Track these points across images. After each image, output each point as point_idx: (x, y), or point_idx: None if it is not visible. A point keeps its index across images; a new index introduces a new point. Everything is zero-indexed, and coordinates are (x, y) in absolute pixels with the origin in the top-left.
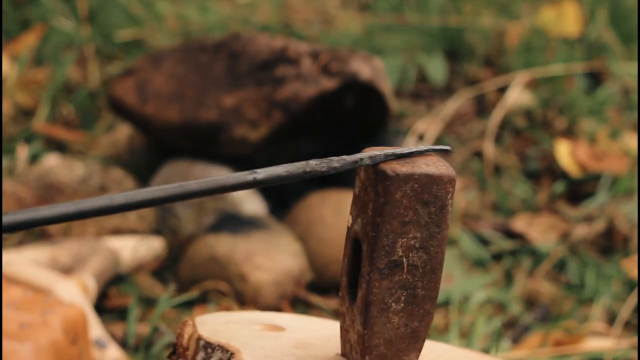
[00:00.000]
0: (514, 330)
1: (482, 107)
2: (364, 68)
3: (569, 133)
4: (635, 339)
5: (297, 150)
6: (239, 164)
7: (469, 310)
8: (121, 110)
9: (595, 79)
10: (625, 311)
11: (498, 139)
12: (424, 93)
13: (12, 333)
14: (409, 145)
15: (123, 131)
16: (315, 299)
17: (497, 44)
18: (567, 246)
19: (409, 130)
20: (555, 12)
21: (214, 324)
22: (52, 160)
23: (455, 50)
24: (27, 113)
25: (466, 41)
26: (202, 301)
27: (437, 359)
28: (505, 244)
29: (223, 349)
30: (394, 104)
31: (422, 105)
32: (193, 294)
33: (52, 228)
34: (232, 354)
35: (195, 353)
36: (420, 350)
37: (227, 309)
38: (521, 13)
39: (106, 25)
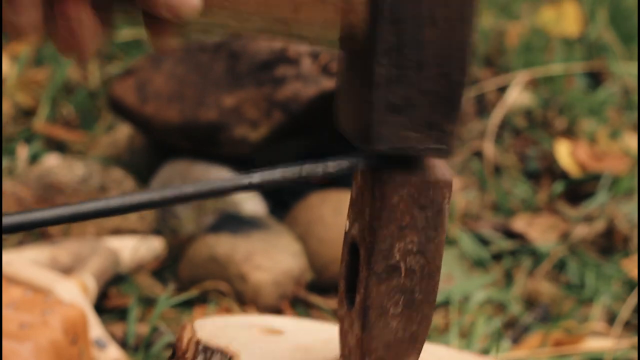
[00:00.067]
0: (514, 330)
1: (482, 107)
2: None
3: (569, 133)
4: (635, 339)
5: (298, 150)
6: (239, 164)
7: (469, 310)
8: (121, 110)
9: (595, 79)
10: (625, 311)
11: (498, 139)
12: None
13: (12, 333)
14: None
15: (123, 131)
16: (315, 299)
17: (497, 44)
18: (567, 246)
19: None
20: (555, 12)
21: (212, 328)
22: (52, 160)
23: None
24: (27, 113)
25: None
26: (202, 301)
27: None
28: (505, 244)
29: (222, 352)
30: None
31: None
32: (193, 294)
33: (52, 228)
34: (230, 357)
35: (194, 356)
36: (419, 354)
37: (227, 309)
38: (521, 13)
39: None
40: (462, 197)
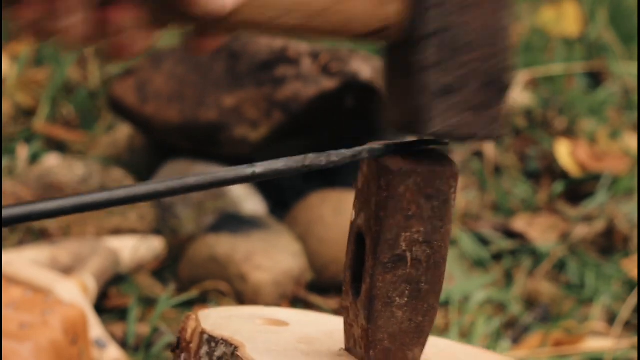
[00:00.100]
0: (514, 330)
1: None
2: (364, 68)
3: (569, 133)
4: (635, 339)
5: (298, 150)
6: (239, 164)
7: (469, 310)
8: (121, 110)
9: (595, 79)
10: (625, 311)
11: (498, 139)
12: None
13: (12, 333)
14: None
15: (123, 131)
16: (315, 299)
17: None
18: (567, 246)
19: None
20: (555, 12)
21: (217, 318)
22: (52, 160)
23: None
24: (27, 113)
25: None
26: (202, 301)
27: (439, 354)
28: (505, 244)
29: (227, 342)
30: None
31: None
32: (193, 294)
33: (52, 228)
34: (235, 347)
35: (199, 347)
36: (424, 345)
37: None
38: (521, 13)
39: None
40: (462, 197)
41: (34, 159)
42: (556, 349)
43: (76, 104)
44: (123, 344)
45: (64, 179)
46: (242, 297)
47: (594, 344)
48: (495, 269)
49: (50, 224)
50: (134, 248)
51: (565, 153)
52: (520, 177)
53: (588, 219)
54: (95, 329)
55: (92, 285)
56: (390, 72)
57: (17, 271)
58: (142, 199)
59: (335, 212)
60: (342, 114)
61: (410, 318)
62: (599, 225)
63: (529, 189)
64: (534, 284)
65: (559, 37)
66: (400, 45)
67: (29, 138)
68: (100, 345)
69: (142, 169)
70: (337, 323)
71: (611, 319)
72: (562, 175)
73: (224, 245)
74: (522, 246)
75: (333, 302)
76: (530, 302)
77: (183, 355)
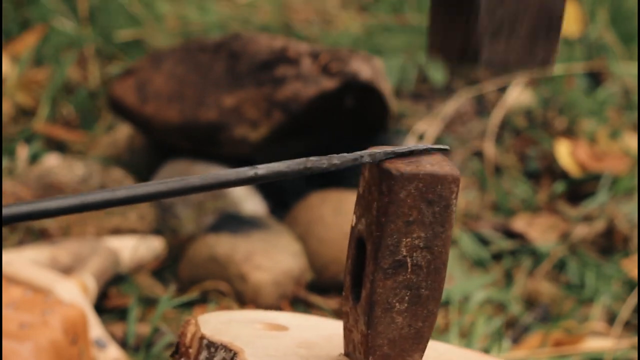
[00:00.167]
0: (514, 330)
1: (482, 107)
2: (364, 68)
3: (569, 133)
4: (635, 339)
5: (297, 150)
6: (239, 164)
7: (469, 310)
8: (121, 110)
9: (595, 79)
10: (625, 311)
11: (498, 139)
12: (424, 93)
13: (12, 333)
14: (414, 144)
15: (123, 131)
16: (315, 299)
17: None
18: (567, 246)
19: (409, 130)
20: None
21: (216, 323)
22: (52, 160)
23: None
24: (27, 113)
25: None
26: (202, 301)
27: (438, 358)
28: (505, 244)
29: (226, 348)
30: (394, 104)
31: (422, 105)
32: (193, 294)
33: (52, 228)
34: (235, 353)
35: (198, 352)
36: (424, 351)
37: (227, 309)
38: None
39: (106, 25)
40: (462, 197)
41: (34, 159)
42: (556, 349)
43: (76, 104)
44: (123, 344)
45: (64, 179)
46: (242, 297)
47: (594, 344)
48: (495, 269)
49: (50, 224)
50: (133, 248)
51: (565, 153)
52: (520, 177)
53: (588, 219)
54: (95, 329)
55: (92, 285)
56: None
57: (17, 271)
58: (143, 199)
59: (335, 212)
60: (342, 114)
61: (410, 324)
62: (599, 225)
63: (529, 189)
64: (534, 284)
65: None
66: None
67: (29, 138)
68: (100, 345)
69: (142, 169)
70: (336, 328)
71: (611, 319)
72: (562, 175)
73: (224, 245)
74: (522, 246)
75: (333, 302)
76: (530, 302)
77: None
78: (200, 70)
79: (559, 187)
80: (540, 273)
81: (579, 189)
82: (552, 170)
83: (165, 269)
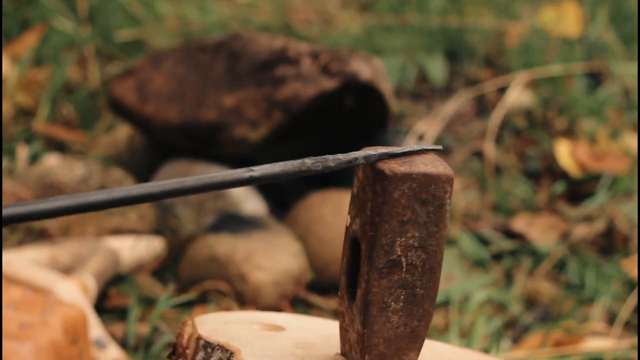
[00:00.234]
0: (514, 330)
1: (482, 107)
2: (364, 68)
3: (569, 133)
4: (635, 339)
5: (297, 150)
6: (239, 164)
7: (469, 310)
8: (121, 110)
9: (595, 79)
10: (625, 311)
11: (498, 139)
12: (424, 93)
13: (12, 333)
14: (407, 145)
15: (123, 131)
16: (315, 299)
17: (497, 44)
18: (567, 246)
19: (409, 130)
20: (556, 12)
21: (213, 324)
22: (52, 160)
23: (455, 50)
24: (27, 113)
25: (466, 41)
26: (202, 301)
27: (437, 358)
28: (505, 244)
29: (223, 348)
30: (394, 104)
31: (422, 105)
32: (193, 294)
33: (52, 228)
34: (231, 353)
35: (195, 353)
36: (420, 350)
37: (227, 309)
38: (521, 13)
39: (106, 25)
40: (462, 197)
41: (34, 159)
42: (556, 349)
43: (76, 104)
44: (123, 344)
45: (64, 179)
46: (242, 297)
47: (594, 344)
48: (495, 269)
49: (50, 224)
50: (131, 247)
51: (565, 153)
52: (520, 177)
53: (588, 219)
54: (95, 329)
55: (92, 285)
56: None
57: (17, 271)
58: (139, 200)
59: (335, 212)
60: (342, 114)
61: (406, 323)
62: (599, 225)
63: (529, 189)
64: (534, 284)
65: (559, 37)
66: None
67: (29, 138)
68: (100, 345)
69: (142, 169)
70: (333, 328)
71: (611, 319)
72: (562, 175)
73: (224, 245)
74: (522, 246)
75: (333, 302)
76: (530, 302)
77: None
78: (200, 70)
79: (559, 187)
80: (540, 273)
81: (579, 189)
82: (552, 170)
83: (165, 269)
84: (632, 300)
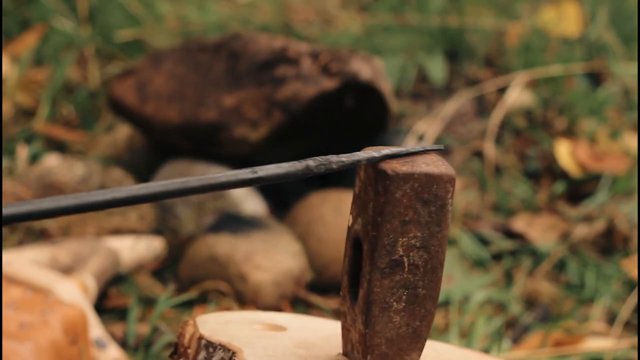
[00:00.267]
0: (514, 330)
1: (482, 107)
2: (364, 68)
3: (569, 133)
4: (635, 339)
5: (297, 150)
6: (239, 164)
7: (469, 310)
8: (121, 110)
9: (595, 79)
10: (625, 311)
11: (498, 139)
12: (424, 93)
13: (12, 333)
14: (408, 145)
15: (123, 131)
16: (315, 299)
17: (497, 44)
18: (567, 246)
19: (409, 130)
20: (556, 12)
21: (214, 324)
22: (52, 160)
23: (455, 50)
24: (27, 113)
25: (466, 41)
26: (202, 301)
27: (437, 358)
28: (505, 244)
29: (225, 348)
30: (394, 104)
31: (422, 105)
32: (193, 294)
33: (52, 228)
34: (233, 353)
35: (197, 352)
36: (421, 350)
37: (227, 309)
38: (521, 13)
39: (106, 25)
40: (462, 197)
41: (34, 159)
42: (556, 349)
43: (76, 104)
44: (123, 344)
45: (64, 179)
46: (242, 297)
47: (594, 344)
48: (495, 269)
49: (50, 224)
50: (131, 247)
51: (565, 153)
52: (520, 177)
53: (588, 219)
54: (95, 329)
55: (92, 285)
56: None
57: (17, 271)
58: (142, 200)
59: (335, 212)
60: (342, 114)
61: (408, 323)
62: (599, 225)
63: (529, 189)
64: (534, 284)
65: (559, 37)
66: None
67: (29, 138)
68: (100, 345)
69: (142, 169)
70: (334, 328)
71: (611, 319)
72: (562, 175)
73: (224, 245)
74: (522, 246)
75: (333, 302)
76: (530, 302)
77: None
78: (200, 70)
79: (559, 187)
80: (540, 273)
81: (579, 189)
82: (552, 170)
83: (165, 269)
84: (632, 300)
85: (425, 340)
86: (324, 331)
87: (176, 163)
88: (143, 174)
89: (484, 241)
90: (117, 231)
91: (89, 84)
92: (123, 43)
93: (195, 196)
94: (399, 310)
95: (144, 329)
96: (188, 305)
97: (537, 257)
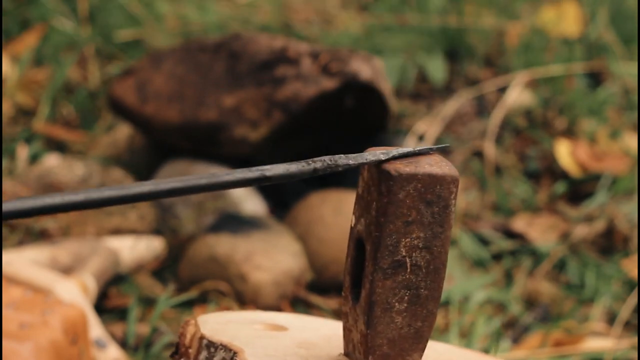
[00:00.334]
0: (514, 330)
1: (482, 107)
2: (364, 68)
3: (569, 133)
4: (635, 339)
5: (297, 150)
6: (239, 164)
7: (469, 310)
8: (121, 110)
9: (595, 79)
10: (625, 311)
11: (498, 139)
12: (424, 93)
13: (12, 333)
14: (409, 145)
15: (123, 131)
16: (315, 299)
17: (497, 44)
18: (567, 246)
19: (409, 130)
20: (555, 12)
21: (215, 323)
22: (52, 160)
23: (455, 50)
24: (27, 113)
25: (466, 41)
26: (202, 301)
27: (437, 358)
28: (505, 244)
29: (226, 348)
30: (394, 104)
31: (422, 105)
32: (193, 294)
33: (52, 228)
34: (235, 353)
35: (198, 352)
36: (423, 350)
37: (227, 309)
38: (521, 13)
39: (106, 25)
40: (462, 197)
41: (34, 159)
42: (556, 349)
43: (76, 104)
44: (123, 344)
45: (64, 179)
46: (242, 297)
47: (594, 344)
48: (495, 269)
49: (50, 224)
50: (131, 247)
51: (565, 153)
52: (520, 177)
53: (588, 219)
54: (95, 329)
55: (92, 285)
56: None
57: (17, 271)
58: (144, 198)
59: (335, 212)
60: (342, 114)
61: (410, 323)
62: (599, 225)
63: (529, 189)
64: (534, 284)
65: (559, 37)
66: None
67: (29, 138)
68: (100, 345)
69: (142, 169)
70: (336, 328)
71: (611, 319)
72: (562, 175)
73: (224, 245)
74: (522, 246)
75: (333, 302)
76: (530, 302)
77: None
78: (200, 70)
79: (559, 187)
80: (540, 273)
81: (579, 189)
82: (552, 170)
83: (165, 269)
84: (632, 300)
85: (427, 341)
86: (325, 331)
87: (176, 163)
88: (143, 174)
89: (484, 241)
90: (117, 231)
91: (89, 84)
92: (123, 43)
93: (195, 196)
94: (401, 311)
95: (144, 329)
96: (188, 305)
97: (537, 257)
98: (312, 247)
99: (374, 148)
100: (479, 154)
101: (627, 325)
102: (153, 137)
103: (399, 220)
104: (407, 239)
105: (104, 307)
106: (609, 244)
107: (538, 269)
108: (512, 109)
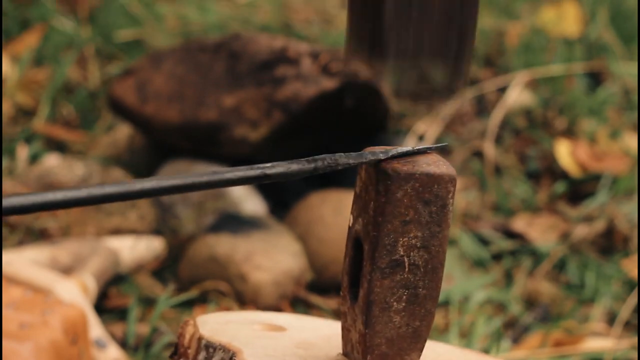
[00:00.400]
0: (514, 330)
1: (482, 107)
2: (364, 68)
3: (569, 133)
4: (635, 339)
5: (297, 150)
6: (239, 164)
7: (469, 310)
8: (121, 110)
9: (595, 79)
10: (625, 311)
11: (498, 139)
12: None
13: (12, 333)
14: (409, 145)
15: (123, 131)
16: (315, 299)
17: (497, 44)
18: (567, 246)
19: (409, 130)
20: (555, 12)
21: (214, 324)
22: (52, 160)
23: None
24: (27, 113)
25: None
26: (202, 301)
27: (437, 358)
28: (505, 244)
29: (225, 348)
30: (394, 104)
31: (422, 105)
32: (193, 294)
33: (52, 228)
34: (233, 353)
35: (197, 353)
36: (422, 350)
37: (227, 309)
38: (521, 13)
39: (106, 25)
40: (462, 197)
41: (34, 159)
42: (556, 349)
43: (76, 104)
44: (123, 344)
45: (64, 179)
46: (242, 297)
47: (594, 344)
48: (495, 269)
49: (50, 223)
50: (131, 247)
51: (565, 153)
52: (520, 177)
53: (588, 219)
54: (95, 329)
55: (92, 285)
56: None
57: (17, 271)
58: (142, 195)
59: (335, 212)
60: (342, 114)
61: (408, 323)
62: (599, 225)
63: (529, 189)
64: (534, 284)
65: (559, 37)
66: None
67: (29, 138)
68: (100, 345)
69: (142, 169)
70: (334, 328)
71: (611, 319)
72: (563, 175)
73: (224, 245)
74: (522, 246)
75: (333, 302)
76: (530, 302)
77: None
78: (200, 70)
79: (559, 187)
80: (540, 273)
81: (579, 189)
82: (552, 170)
83: (165, 269)
84: (632, 300)
85: (425, 341)
86: (324, 331)
87: (176, 163)
88: (143, 174)
89: (484, 241)
90: (117, 231)
91: (89, 84)
92: (123, 43)
93: (195, 196)
94: (399, 310)
95: (144, 329)
96: (188, 305)
97: (537, 257)
98: (312, 247)
99: (372, 148)
100: (478, 154)
101: (627, 325)
102: (153, 137)
103: (396, 220)
104: (405, 239)
105: (104, 307)
106: (609, 244)
107: (538, 269)
108: (512, 109)
